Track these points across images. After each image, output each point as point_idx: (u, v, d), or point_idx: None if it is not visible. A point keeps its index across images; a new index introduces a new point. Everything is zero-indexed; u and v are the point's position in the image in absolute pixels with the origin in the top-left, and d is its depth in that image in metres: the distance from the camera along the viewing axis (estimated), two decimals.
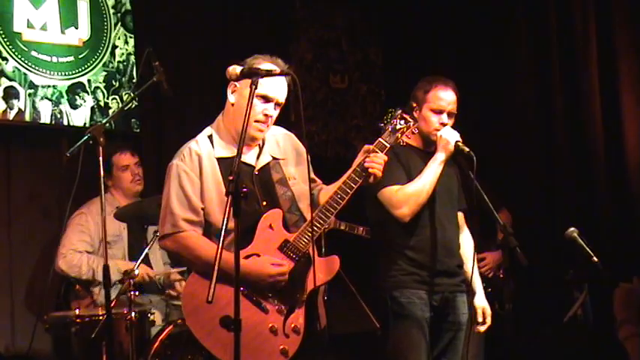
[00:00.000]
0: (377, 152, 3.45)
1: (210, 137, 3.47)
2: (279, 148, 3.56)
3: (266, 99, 3.39)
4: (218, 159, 3.41)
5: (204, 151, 3.42)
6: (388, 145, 3.56)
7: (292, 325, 3.34)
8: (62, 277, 4.96)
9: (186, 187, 3.37)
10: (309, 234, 3.37)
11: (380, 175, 3.44)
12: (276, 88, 3.40)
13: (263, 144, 3.50)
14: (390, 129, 3.61)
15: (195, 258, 3.36)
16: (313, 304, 3.47)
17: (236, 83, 3.40)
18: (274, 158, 3.52)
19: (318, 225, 3.36)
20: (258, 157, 3.48)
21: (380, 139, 3.57)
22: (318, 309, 3.51)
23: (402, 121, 3.65)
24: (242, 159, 3.36)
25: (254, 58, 3.42)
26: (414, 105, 4.18)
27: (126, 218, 4.86)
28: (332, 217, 3.40)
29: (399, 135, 3.63)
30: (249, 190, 3.24)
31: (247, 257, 3.30)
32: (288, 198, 3.47)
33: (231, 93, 3.45)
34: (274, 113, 3.44)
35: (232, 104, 3.45)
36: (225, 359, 3.20)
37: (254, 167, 3.45)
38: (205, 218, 3.39)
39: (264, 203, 3.41)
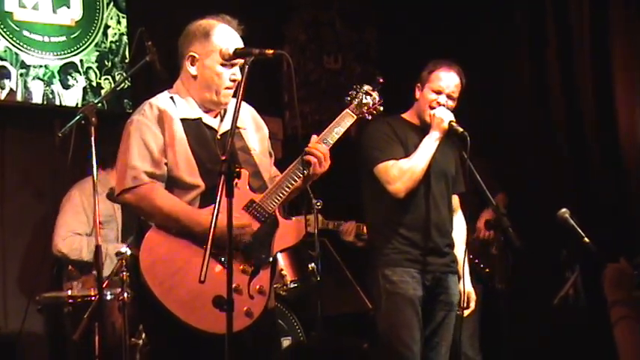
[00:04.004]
0: (319, 144, 3.39)
1: (171, 98, 3.41)
2: (240, 117, 3.41)
3: (232, 64, 3.35)
4: (181, 119, 3.35)
5: (167, 108, 3.35)
6: (355, 118, 3.62)
7: (257, 286, 3.26)
8: (57, 259, 4.97)
9: (148, 140, 3.28)
10: (278, 196, 3.32)
11: (318, 166, 3.34)
12: (236, 47, 3.34)
13: (225, 112, 3.45)
14: (356, 102, 3.68)
15: (154, 208, 3.23)
16: (274, 272, 3.41)
17: (194, 54, 3.37)
18: (237, 127, 3.43)
19: (270, 206, 3.31)
20: (220, 123, 3.43)
21: (347, 109, 3.64)
22: (271, 286, 3.42)
23: (368, 97, 3.72)
24: (205, 121, 3.39)
25: (202, 22, 3.41)
26: (418, 84, 4.21)
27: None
28: (281, 201, 3.33)
29: (365, 110, 3.69)
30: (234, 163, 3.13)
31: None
32: (251, 164, 3.41)
33: (191, 64, 3.40)
34: (239, 75, 3.37)
35: (194, 76, 3.39)
36: (182, 317, 3.13)
37: (217, 131, 3.40)
38: (168, 173, 3.29)
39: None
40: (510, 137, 6.05)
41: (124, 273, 4.28)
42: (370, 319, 4.61)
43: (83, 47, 5.55)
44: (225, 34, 3.36)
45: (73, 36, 5.52)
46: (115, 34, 5.71)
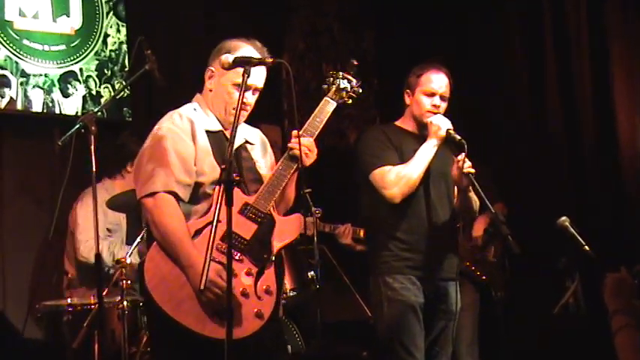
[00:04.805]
0: (304, 136, 3.44)
1: (194, 110, 3.49)
2: (250, 134, 3.61)
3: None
4: (205, 130, 3.43)
5: (194, 119, 3.43)
6: (335, 104, 3.63)
7: (264, 287, 3.29)
8: (57, 267, 4.98)
9: (181, 149, 3.35)
10: (271, 195, 3.36)
11: (305, 158, 3.39)
12: (254, 75, 3.38)
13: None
14: (334, 88, 3.68)
15: (160, 223, 3.27)
16: (281, 270, 3.44)
17: (212, 68, 3.46)
18: (246, 141, 3.56)
19: (265, 206, 3.34)
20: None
21: (326, 97, 3.65)
22: (281, 291, 3.48)
23: (345, 81, 3.72)
24: (225, 134, 3.45)
25: (231, 42, 3.47)
26: (407, 90, 4.21)
27: (119, 207, 4.84)
28: (272, 201, 3.37)
29: (344, 94, 3.70)
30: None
31: (205, 226, 3.27)
32: (252, 171, 3.48)
33: (209, 78, 3.48)
34: (252, 99, 3.47)
35: (210, 90, 3.48)
36: (198, 329, 3.17)
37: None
38: (196, 180, 3.36)
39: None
40: (509, 144, 6.04)
41: (124, 281, 4.28)
42: (370, 327, 4.60)
43: (83, 56, 5.55)
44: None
45: (72, 45, 5.52)
46: (115, 42, 5.71)
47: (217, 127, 3.46)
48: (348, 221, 5.30)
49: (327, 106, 3.63)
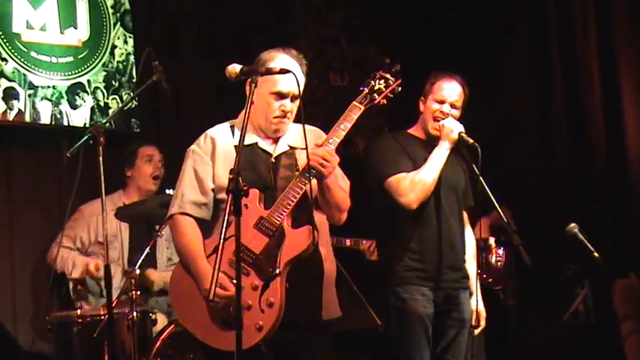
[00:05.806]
0: (324, 145, 3.41)
1: (231, 127, 3.55)
2: (299, 139, 3.54)
3: (281, 95, 3.44)
4: (235, 146, 3.43)
5: (221, 137, 3.51)
6: (362, 108, 3.55)
7: (267, 300, 3.31)
8: (62, 275, 5.00)
9: (199, 169, 3.47)
10: (284, 208, 3.34)
11: (324, 170, 3.35)
12: (289, 83, 3.42)
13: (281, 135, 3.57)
14: (365, 91, 3.60)
15: (178, 242, 3.49)
16: (307, 283, 3.45)
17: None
18: (291, 147, 3.54)
19: (277, 219, 3.34)
20: (275, 146, 3.53)
21: (355, 101, 3.58)
22: (318, 296, 3.53)
23: (382, 81, 3.62)
24: (260, 146, 3.50)
25: (268, 52, 3.51)
26: (422, 98, 4.21)
27: (128, 218, 4.84)
28: (287, 212, 3.34)
29: (376, 95, 3.60)
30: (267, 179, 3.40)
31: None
32: (288, 181, 3.44)
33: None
34: (292, 107, 3.47)
35: (252, 101, 3.48)
36: (206, 341, 3.35)
37: (271, 155, 3.50)
38: (216, 197, 3.45)
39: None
40: (515, 151, 6.03)
41: (133, 292, 4.29)
42: (379, 335, 4.60)
43: (90, 67, 5.57)
44: (279, 66, 3.39)
45: (80, 56, 5.54)
46: (122, 53, 5.73)
47: (252, 140, 3.48)
48: (356, 231, 5.27)
49: (353, 111, 3.57)
